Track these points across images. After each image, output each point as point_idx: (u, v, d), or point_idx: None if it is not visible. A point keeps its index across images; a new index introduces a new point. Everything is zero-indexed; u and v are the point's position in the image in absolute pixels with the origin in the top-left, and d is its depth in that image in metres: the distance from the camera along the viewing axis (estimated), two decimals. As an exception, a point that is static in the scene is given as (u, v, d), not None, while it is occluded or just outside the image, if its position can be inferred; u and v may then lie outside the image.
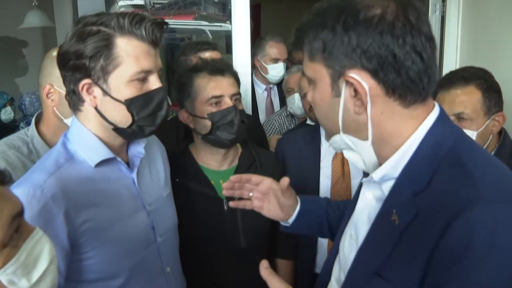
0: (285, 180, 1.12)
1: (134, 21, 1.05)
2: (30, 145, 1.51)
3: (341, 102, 0.80)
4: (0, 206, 0.64)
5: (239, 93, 1.52)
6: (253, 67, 2.87)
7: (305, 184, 1.70)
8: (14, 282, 0.65)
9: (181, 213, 1.39)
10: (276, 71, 2.78)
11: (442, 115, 0.82)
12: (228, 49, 2.84)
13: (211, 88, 1.45)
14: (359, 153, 0.85)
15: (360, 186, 0.96)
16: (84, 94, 1.08)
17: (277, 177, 1.55)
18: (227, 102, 1.46)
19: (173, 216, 1.35)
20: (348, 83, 0.78)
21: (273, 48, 2.81)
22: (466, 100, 1.42)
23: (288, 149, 1.80)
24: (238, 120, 1.46)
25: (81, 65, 1.05)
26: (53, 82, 1.48)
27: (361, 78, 0.76)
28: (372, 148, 0.82)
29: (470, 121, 1.43)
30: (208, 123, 1.45)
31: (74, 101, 1.12)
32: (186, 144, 1.62)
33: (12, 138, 1.52)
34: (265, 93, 2.89)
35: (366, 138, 0.82)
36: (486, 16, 2.33)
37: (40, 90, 1.50)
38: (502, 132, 1.56)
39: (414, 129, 0.79)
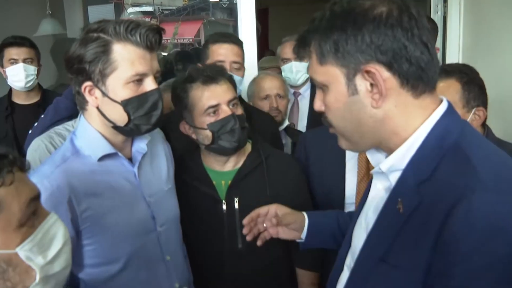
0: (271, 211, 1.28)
1: (130, 28, 1.14)
2: None
3: (358, 100, 0.82)
4: (20, 189, 0.74)
5: (236, 97, 1.51)
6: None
7: (330, 181, 1.68)
8: (31, 258, 0.75)
9: (182, 210, 1.45)
10: (286, 72, 2.58)
11: (450, 108, 0.85)
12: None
13: (206, 98, 1.45)
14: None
15: (372, 178, 0.99)
16: (86, 95, 1.18)
17: (292, 182, 1.56)
18: (225, 110, 1.46)
19: (174, 208, 1.44)
20: (364, 77, 0.81)
21: (283, 48, 2.62)
22: (444, 91, 1.43)
23: (313, 145, 1.76)
24: (239, 128, 1.46)
25: (83, 69, 1.15)
26: None
27: (378, 70, 0.80)
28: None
29: None
30: (209, 134, 1.46)
31: (80, 101, 1.23)
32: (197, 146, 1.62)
33: (61, 128, 1.76)
34: (292, 97, 2.62)
35: (379, 135, 0.85)
36: (487, 16, 2.35)
37: None
38: (485, 129, 1.59)
39: (423, 120, 0.82)
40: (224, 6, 3.96)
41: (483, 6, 2.41)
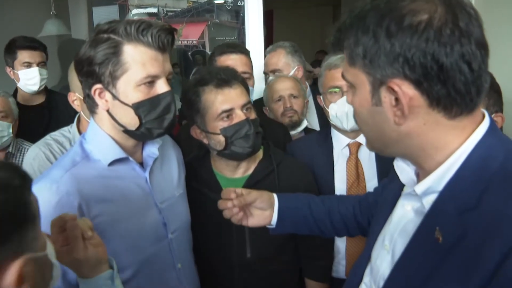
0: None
1: (141, 28, 1.10)
2: (71, 142, 1.71)
3: (381, 111, 0.76)
4: None
5: (249, 102, 1.46)
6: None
7: (319, 190, 1.64)
8: None
9: (191, 217, 1.41)
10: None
11: (493, 126, 0.77)
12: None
13: (220, 102, 1.39)
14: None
15: (395, 194, 0.92)
16: (97, 98, 1.14)
17: (303, 190, 1.46)
18: (239, 115, 1.40)
19: (185, 214, 1.40)
20: (389, 91, 0.73)
21: (270, 59, 2.52)
22: None
23: (299, 155, 1.73)
24: (253, 133, 1.41)
25: (92, 71, 1.11)
26: (74, 90, 1.65)
27: (403, 88, 0.72)
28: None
29: None
30: (222, 139, 1.41)
31: (90, 105, 1.18)
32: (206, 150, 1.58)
33: (57, 134, 1.77)
34: None
35: (405, 149, 0.79)
36: (496, 21, 2.34)
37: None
38: None
39: (461, 141, 0.74)
40: (229, 8, 3.95)
41: (491, 11, 2.40)
